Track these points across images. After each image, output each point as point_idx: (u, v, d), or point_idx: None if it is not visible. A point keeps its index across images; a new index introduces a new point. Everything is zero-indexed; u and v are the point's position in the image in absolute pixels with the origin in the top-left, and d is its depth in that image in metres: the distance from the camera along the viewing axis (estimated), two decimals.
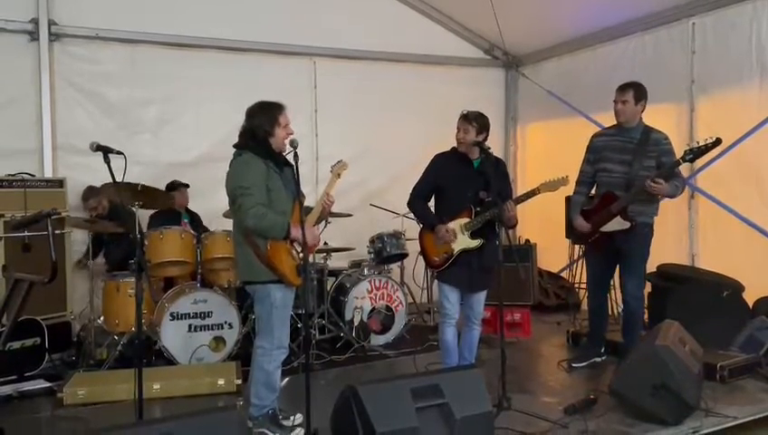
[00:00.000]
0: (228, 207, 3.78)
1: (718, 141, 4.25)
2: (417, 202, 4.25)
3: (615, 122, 4.66)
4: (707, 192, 5.68)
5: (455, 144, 4.18)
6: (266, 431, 3.66)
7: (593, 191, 4.81)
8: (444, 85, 7.49)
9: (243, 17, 6.52)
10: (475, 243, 4.07)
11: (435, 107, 7.37)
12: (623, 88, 4.53)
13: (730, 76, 5.47)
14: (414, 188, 4.28)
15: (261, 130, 3.63)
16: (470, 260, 4.09)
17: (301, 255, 3.64)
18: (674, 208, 5.87)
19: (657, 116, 5.83)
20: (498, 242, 4.06)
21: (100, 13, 6.01)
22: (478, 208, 4.08)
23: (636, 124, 4.53)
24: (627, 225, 4.45)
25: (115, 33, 6.07)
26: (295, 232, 3.51)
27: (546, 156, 7.59)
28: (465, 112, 4.11)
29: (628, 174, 4.44)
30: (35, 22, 5.77)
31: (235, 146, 3.73)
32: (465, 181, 4.11)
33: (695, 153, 4.29)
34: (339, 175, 3.87)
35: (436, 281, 4.60)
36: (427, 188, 4.23)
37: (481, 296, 4.21)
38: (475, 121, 4.03)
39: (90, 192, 5.55)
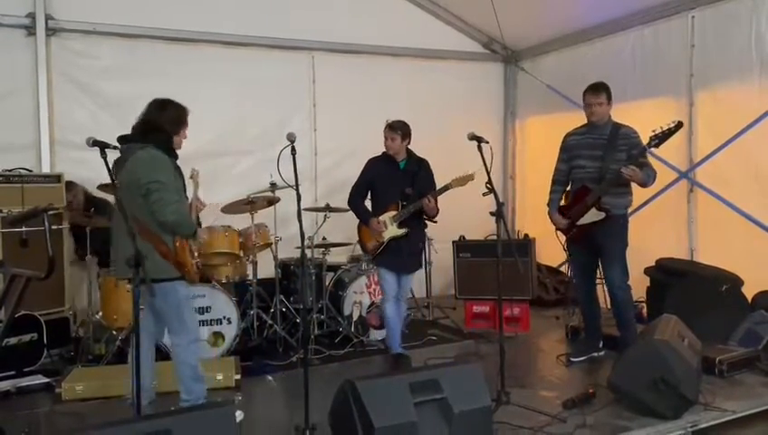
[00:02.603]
0: (146, 201, 3.59)
1: (680, 125, 4.40)
2: (355, 200, 4.91)
3: (591, 121, 4.72)
4: (706, 186, 5.67)
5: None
6: None
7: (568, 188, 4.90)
8: (443, 80, 7.49)
9: (240, 12, 6.49)
10: (402, 232, 4.75)
11: (434, 101, 7.36)
12: (597, 90, 4.65)
13: (729, 70, 5.45)
14: (352, 188, 4.92)
15: (168, 126, 3.62)
16: (400, 246, 4.77)
17: (197, 253, 3.76)
18: (673, 203, 5.88)
19: (656, 110, 5.85)
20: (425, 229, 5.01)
21: (98, 7, 5.99)
22: (404, 203, 4.73)
23: (606, 121, 4.68)
24: (602, 215, 4.57)
25: (112, 28, 6.04)
26: (199, 230, 3.74)
27: (545, 150, 7.53)
28: (390, 122, 4.77)
29: (601, 168, 4.59)
30: (32, 16, 5.74)
31: (134, 138, 3.61)
32: (392, 180, 4.80)
33: (659, 138, 4.41)
34: (197, 183, 4.12)
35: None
36: (362, 187, 4.90)
37: (410, 277, 4.99)
38: (399, 130, 4.73)
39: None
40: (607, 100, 4.64)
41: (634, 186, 4.66)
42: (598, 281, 4.99)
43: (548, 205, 4.93)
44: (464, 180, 4.67)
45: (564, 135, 4.95)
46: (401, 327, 5.07)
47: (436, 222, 4.88)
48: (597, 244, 4.69)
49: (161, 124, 3.61)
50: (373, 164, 4.91)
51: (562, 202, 4.91)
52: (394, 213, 4.76)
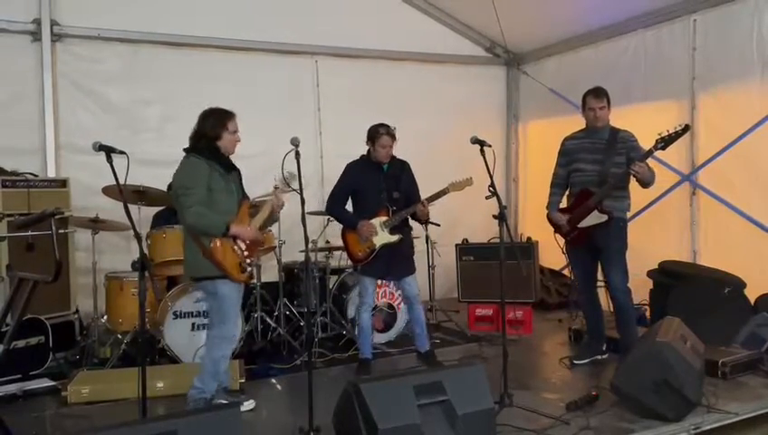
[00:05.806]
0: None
1: (687, 128, 4.40)
2: (335, 207, 4.75)
3: (593, 125, 4.72)
4: (709, 189, 5.68)
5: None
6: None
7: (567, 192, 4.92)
8: (445, 83, 7.51)
9: (244, 16, 6.53)
10: (395, 238, 4.63)
11: (437, 105, 7.39)
12: (599, 95, 4.68)
13: (731, 72, 5.47)
14: (331, 194, 4.79)
15: (210, 133, 3.83)
16: (391, 252, 4.63)
17: (246, 253, 3.82)
18: (675, 205, 5.89)
19: (658, 113, 5.88)
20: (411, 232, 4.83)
21: (102, 12, 6.03)
22: (394, 208, 4.63)
23: (604, 126, 4.70)
24: (604, 217, 4.57)
25: (117, 33, 6.09)
26: (235, 229, 3.75)
27: (547, 153, 7.53)
28: (391, 131, 4.63)
29: (601, 171, 4.61)
30: (38, 22, 5.79)
31: (186, 149, 3.89)
32: (377, 184, 4.67)
33: (666, 141, 4.40)
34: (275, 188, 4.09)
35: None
36: (343, 194, 4.74)
37: (410, 280, 4.77)
38: (394, 137, 4.66)
39: None
40: (607, 103, 4.68)
41: (632, 188, 4.65)
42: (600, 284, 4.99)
43: (547, 207, 4.94)
44: (461, 185, 4.62)
45: (562, 139, 4.97)
46: (423, 328, 4.89)
47: (431, 223, 4.81)
48: (597, 247, 4.69)
49: (205, 132, 3.85)
50: (355, 169, 4.76)
51: (562, 205, 4.92)
52: (385, 218, 4.63)
